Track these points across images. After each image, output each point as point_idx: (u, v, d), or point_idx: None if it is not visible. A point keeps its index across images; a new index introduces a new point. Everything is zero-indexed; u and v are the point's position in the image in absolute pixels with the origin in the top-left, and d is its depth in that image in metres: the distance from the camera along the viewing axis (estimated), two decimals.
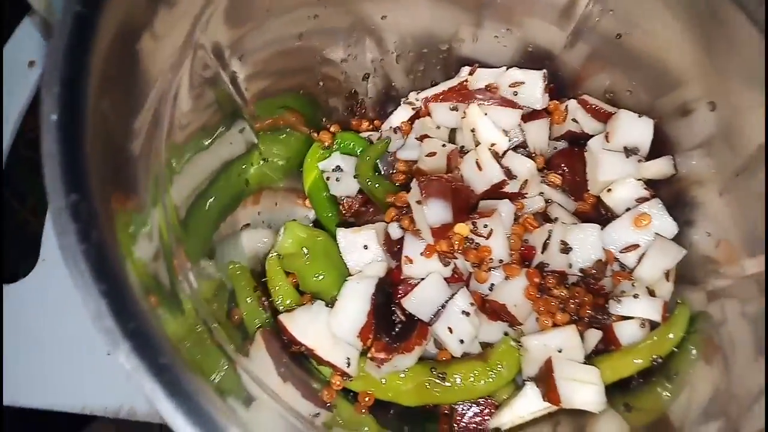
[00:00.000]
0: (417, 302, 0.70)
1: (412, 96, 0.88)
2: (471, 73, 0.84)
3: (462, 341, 0.70)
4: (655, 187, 0.76)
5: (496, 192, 0.76)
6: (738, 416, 0.58)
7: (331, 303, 0.71)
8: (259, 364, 0.65)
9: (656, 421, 0.68)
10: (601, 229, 0.73)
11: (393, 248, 0.75)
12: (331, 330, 0.69)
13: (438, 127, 0.84)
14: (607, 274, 0.73)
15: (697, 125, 0.71)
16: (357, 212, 0.84)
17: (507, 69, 0.82)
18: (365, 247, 0.75)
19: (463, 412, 0.72)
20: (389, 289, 0.73)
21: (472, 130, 0.79)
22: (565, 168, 0.81)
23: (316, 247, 0.76)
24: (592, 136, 0.80)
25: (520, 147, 0.83)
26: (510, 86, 0.81)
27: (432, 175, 0.75)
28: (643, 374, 0.71)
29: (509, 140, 0.80)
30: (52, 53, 0.44)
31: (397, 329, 0.72)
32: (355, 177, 0.84)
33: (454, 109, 0.82)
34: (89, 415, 0.79)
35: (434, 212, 0.70)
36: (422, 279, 0.71)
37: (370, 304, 0.70)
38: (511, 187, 0.77)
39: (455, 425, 0.72)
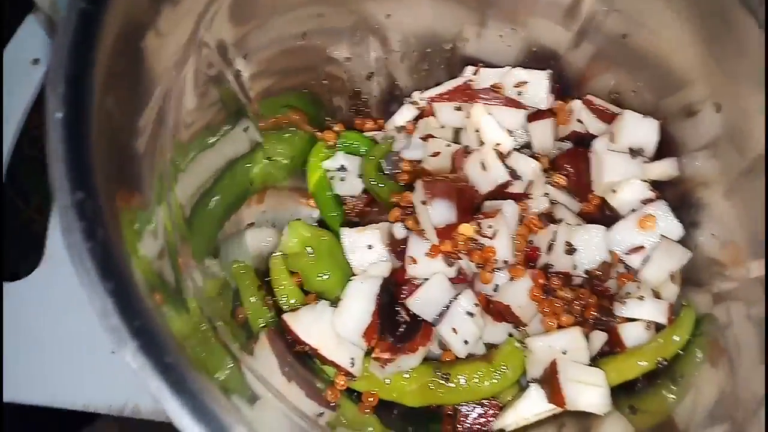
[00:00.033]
0: (421, 303, 0.70)
1: (416, 95, 0.88)
2: (475, 73, 0.84)
3: (466, 342, 0.70)
4: (660, 188, 0.76)
5: (500, 192, 0.76)
6: (743, 420, 0.58)
7: (335, 303, 0.71)
8: (263, 363, 0.65)
9: (661, 424, 0.68)
10: (606, 230, 0.73)
11: (397, 248, 0.74)
12: (336, 330, 0.69)
13: (442, 127, 0.84)
14: (612, 275, 0.73)
15: (702, 126, 0.71)
16: (361, 212, 0.84)
17: (511, 69, 0.82)
18: (369, 246, 0.75)
19: (467, 413, 0.72)
20: (393, 289, 0.73)
21: (477, 130, 0.79)
22: (569, 169, 0.81)
23: (320, 246, 0.76)
24: (596, 136, 0.80)
25: (525, 147, 0.82)
26: (515, 86, 0.81)
27: (437, 175, 0.75)
28: (648, 376, 0.70)
29: (514, 140, 0.80)
30: (57, 51, 0.44)
31: (401, 329, 0.72)
32: (359, 177, 0.83)
33: (459, 108, 0.82)
34: (92, 414, 0.79)
35: (439, 212, 0.70)
36: (426, 279, 0.71)
37: (375, 304, 0.70)
38: (516, 188, 0.76)
39: (459, 426, 0.72)
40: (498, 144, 0.77)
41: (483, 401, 0.72)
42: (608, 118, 0.80)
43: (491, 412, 0.72)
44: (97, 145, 0.43)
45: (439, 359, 0.74)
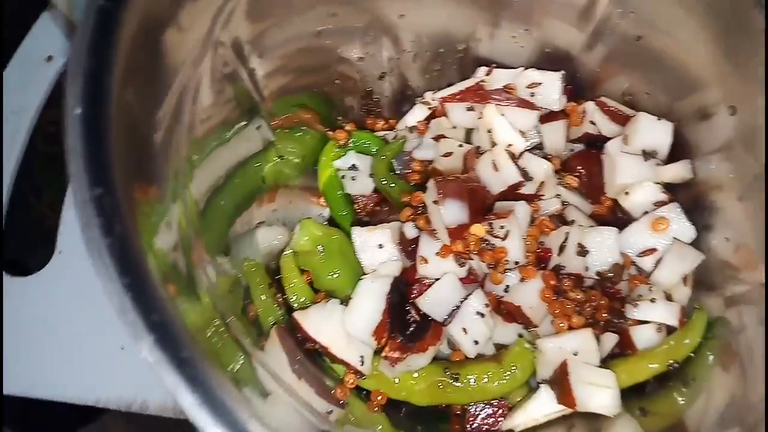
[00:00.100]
0: (431, 302, 0.70)
1: (428, 96, 0.88)
2: (488, 74, 0.84)
3: (476, 342, 0.70)
4: (673, 191, 0.76)
5: (512, 193, 0.76)
6: (755, 424, 0.57)
7: (345, 301, 0.71)
8: (274, 360, 0.65)
9: (672, 426, 0.67)
10: (619, 232, 0.73)
11: (408, 248, 0.74)
12: (346, 328, 0.69)
13: (454, 127, 0.84)
14: (624, 277, 0.72)
15: (717, 129, 0.70)
16: (372, 211, 0.84)
17: (524, 70, 0.82)
18: (380, 246, 0.75)
19: (476, 413, 0.72)
20: (404, 289, 0.73)
21: (489, 131, 0.79)
22: (582, 170, 0.81)
23: (331, 245, 0.76)
24: (609, 138, 0.79)
25: (537, 148, 0.82)
26: (527, 87, 0.81)
27: (449, 175, 0.75)
28: (659, 379, 0.70)
29: (526, 141, 0.80)
30: (76, 48, 0.44)
31: (411, 329, 0.72)
32: (370, 176, 0.83)
33: (471, 109, 0.82)
34: (99, 409, 0.79)
35: (451, 212, 0.70)
36: (437, 279, 0.71)
37: (385, 303, 0.70)
38: (528, 189, 0.76)
39: (468, 426, 0.72)
40: (510, 144, 0.77)
41: (492, 401, 0.72)
42: (621, 120, 0.79)
43: (500, 412, 0.72)
44: (115, 139, 0.43)
45: (449, 359, 0.74)
